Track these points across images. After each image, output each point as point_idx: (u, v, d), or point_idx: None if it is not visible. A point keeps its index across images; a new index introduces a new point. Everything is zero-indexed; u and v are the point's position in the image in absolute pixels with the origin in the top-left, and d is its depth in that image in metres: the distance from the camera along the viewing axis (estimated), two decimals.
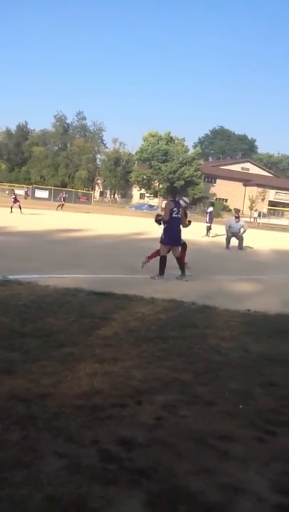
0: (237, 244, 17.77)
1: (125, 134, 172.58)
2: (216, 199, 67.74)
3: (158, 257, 9.32)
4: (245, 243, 18.24)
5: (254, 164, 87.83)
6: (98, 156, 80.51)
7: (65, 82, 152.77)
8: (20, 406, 3.03)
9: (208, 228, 23.06)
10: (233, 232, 18.06)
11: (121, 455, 2.58)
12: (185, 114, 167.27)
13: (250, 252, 17.91)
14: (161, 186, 65.09)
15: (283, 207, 67.18)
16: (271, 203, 68.99)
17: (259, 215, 55.00)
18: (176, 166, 63.66)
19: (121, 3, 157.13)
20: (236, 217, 18.53)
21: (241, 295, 8.17)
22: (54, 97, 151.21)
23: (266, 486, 2.45)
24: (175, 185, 59.67)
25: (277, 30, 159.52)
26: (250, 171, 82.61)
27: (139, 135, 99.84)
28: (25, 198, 45.64)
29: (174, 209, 9.31)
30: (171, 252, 9.43)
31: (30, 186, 61.56)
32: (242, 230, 18.23)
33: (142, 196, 73.04)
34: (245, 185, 74.92)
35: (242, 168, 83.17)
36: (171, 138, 66.88)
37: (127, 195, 79.12)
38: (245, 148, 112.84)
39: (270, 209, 64.58)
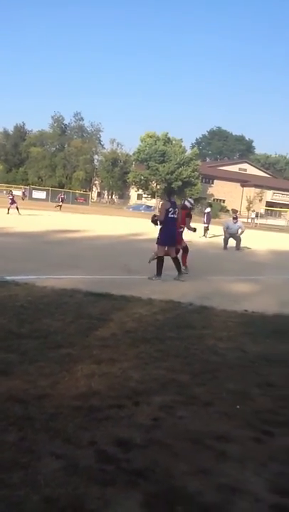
0: (235, 245, 17.79)
1: (123, 135, 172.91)
2: (214, 200, 67.77)
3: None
4: (242, 244, 18.26)
5: (251, 165, 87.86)
6: (96, 156, 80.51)
7: (62, 83, 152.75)
8: (17, 407, 3.03)
9: (206, 229, 23.07)
10: (230, 233, 18.08)
11: (118, 456, 2.58)
12: (183, 114, 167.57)
13: (248, 252, 17.93)
14: (158, 187, 65.06)
15: (281, 207, 67.15)
16: (268, 204, 68.98)
17: (256, 216, 54.91)
18: (173, 166, 63.64)
19: (121, 3, 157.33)
20: (234, 218, 18.55)
21: (239, 295, 8.18)
22: (51, 97, 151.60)
23: (263, 486, 2.46)
24: (172, 185, 59.58)
25: (276, 30, 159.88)
26: (247, 172, 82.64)
27: (136, 136, 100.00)
28: (23, 199, 45.62)
29: (170, 209, 9.27)
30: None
31: (28, 187, 61.44)
32: (240, 230, 18.24)
33: (139, 197, 72.97)
34: (242, 185, 74.94)
35: (239, 169, 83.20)
36: (168, 139, 66.86)
37: (124, 196, 79.09)
38: (243, 149, 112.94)
39: (268, 210, 64.53)
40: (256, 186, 71.40)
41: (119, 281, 8.25)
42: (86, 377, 3.64)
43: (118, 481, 2.35)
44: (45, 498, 2.16)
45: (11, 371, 3.63)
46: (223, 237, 18.32)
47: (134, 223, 27.90)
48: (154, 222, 9.52)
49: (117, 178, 74.95)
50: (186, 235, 10.67)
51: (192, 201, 11.44)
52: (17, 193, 44.84)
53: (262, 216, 58.23)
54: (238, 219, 18.95)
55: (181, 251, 10.16)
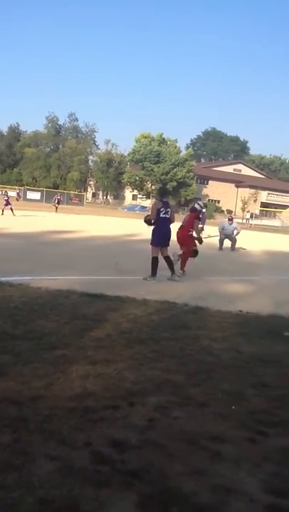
0: (230, 246, 17.82)
1: (117, 136, 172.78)
2: (209, 200, 67.86)
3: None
4: (237, 244, 18.30)
5: (246, 165, 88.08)
6: (90, 157, 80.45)
7: (56, 84, 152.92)
8: (11, 408, 3.02)
9: (201, 229, 23.09)
10: (226, 234, 18.11)
11: (113, 457, 2.58)
12: (177, 115, 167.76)
13: (243, 253, 17.96)
14: (153, 187, 65.06)
15: (275, 208, 67.38)
16: (263, 204, 69.17)
17: (251, 217, 55.09)
18: (168, 167, 63.70)
19: (121, 3, 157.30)
20: (229, 220, 18.58)
21: (234, 296, 8.19)
22: (46, 98, 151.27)
23: (258, 486, 2.46)
24: (167, 186, 59.60)
25: (274, 30, 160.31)
26: (242, 173, 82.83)
27: (131, 136, 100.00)
28: (17, 200, 45.48)
29: (162, 209, 9.19)
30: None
31: (22, 188, 61.29)
32: (235, 231, 18.29)
33: (134, 197, 72.99)
34: (237, 186, 75.11)
35: (234, 170, 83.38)
36: (163, 139, 66.92)
37: (119, 197, 79.08)
38: (237, 150, 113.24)
39: (262, 210, 64.70)
40: (251, 187, 71.58)
41: (114, 282, 8.25)
42: (81, 378, 3.64)
43: (113, 482, 2.35)
44: (40, 500, 2.15)
45: (5, 372, 3.61)
46: (218, 237, 18.34)
47: (129, 224, 27.89)
48: (147, 222, 9.45)
49: (111, 178, 74.94)
50: None
51: (202, 204, 11.34)
52: (11, 193, 44.68)
53: (257, 217, 58.41)
54: (234, 220, 18.99)
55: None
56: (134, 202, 70.51)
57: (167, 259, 9.29)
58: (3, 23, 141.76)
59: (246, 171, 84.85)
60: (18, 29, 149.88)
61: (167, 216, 9.21)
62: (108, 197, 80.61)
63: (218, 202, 71.66)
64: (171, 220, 9.31)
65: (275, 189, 76.52)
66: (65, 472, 2.37)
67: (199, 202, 11.20)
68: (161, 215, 9.17)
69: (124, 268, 9.59)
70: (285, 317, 6.71)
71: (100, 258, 11.55)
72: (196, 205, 10.92)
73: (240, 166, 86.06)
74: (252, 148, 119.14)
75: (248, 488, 2.44)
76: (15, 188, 58.34)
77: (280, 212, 62.21)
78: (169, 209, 9.29)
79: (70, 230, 19.78)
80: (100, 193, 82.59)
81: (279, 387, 3.91)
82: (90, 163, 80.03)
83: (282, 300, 8.13)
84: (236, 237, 18.27)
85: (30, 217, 26.47)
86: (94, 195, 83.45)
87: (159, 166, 63.68)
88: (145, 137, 66.50)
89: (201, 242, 10.52)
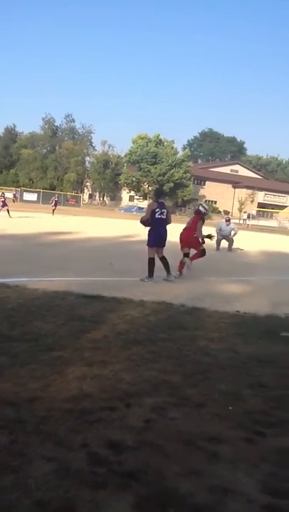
0: (227, 246, 17.84)
1: (114, 137, 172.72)
2: (206, 201, 67.81)
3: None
4: (235, 245, 18.31)
5: (243, 166, 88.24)
6: (87, 158, 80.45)
7: (52, 85, 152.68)
8: (8, 410, 3.02)
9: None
10: (223, 235, 18.12)
11: (110, 458, 2.57)
12: (174, 116, 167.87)
13: (240, 253, 17.97)
14: (150, 189, 65.06)
15: (272, 208, 67.52)
16: (260, 205, 69.29)
17: (248, 217, 55.21)
18: (165, 168, 63.74)
19: (121, 3, 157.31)
20: (227, 220, 18.60)
21: (231, 296, 8.19)
22: (42, 99, 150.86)
23: (255, 487, 2.46)
24: (164, 187, 59.62)
25: (270, 31, 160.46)
26: (239, 173, 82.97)
27: (128, 137, 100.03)
28: (14, 201, 45.33)
29: (157, 209, 9.16)
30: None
31: (19, 189, 61.21)
32: (232, 232, 18.30)
33: (131, 199, 72.98)
34: (234, 187, 75.22)
35: (231, 170, 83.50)
36: (160, 140, 66.97)
37: (116, 198, 79.03)
38: (234, 151, 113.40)
39: (259, 211, 64.85)
40: (248, 187, 71.69)
41: (111, 283, 8.24)
42: (77, 379, 3.63)
43: (110, 483, 2.34)
44: (37, 502, 2.14)
45: (1, 374, 3.61)
46: (215, 238, 18.35)
47: (126, 225, 27.88)
48: (143, 223, 9.43)
49: (108, 179, 74.93)
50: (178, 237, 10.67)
51: (207, 206, 11.30)
52: (8, 195, 44.57)
53: (254, 217, 58.52)
54: (231, 221, 19.01)
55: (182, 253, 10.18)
56: (131, 203, 70.48)
57: (163, 259, 9.28)
58: (3, 23, 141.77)
59: (243, 171, 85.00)
60: (18, 29, 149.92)
61: (163, 217, 9.19)
62: (105, 198, 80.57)
63: (215, 203, 71.71)
64: (167, 221, 9.30)
65: (272, 190, 76.64)
66: (61, 474, 2.37)
67: (204, 204, 11.21)
68: (157, 216, 9.15)
69: (121, 269, 9.58)
70: (282, 317, 6.72)
71: (96, 259, 11.53)
72: (201, 208, 10.92)
73: (237, 167, 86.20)
74: (249, 148, 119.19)
75: (245, 488, 2.43)
76: (11, 189, 58.22)
77: (277, 212, 62.35)
78: (164, 210, 9.26)
79: (67, 231, 19.76)
80: (97, 194, 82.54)
81: (276, 388, 3.91)
82: (87, 164, 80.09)
83: (280, 300, 8.13)
84: (233, 238, 18.28)
85: (27, 219, 26.44)
86: (91, 196, 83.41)
87: (156, 167, 63.73)
88: (142, 138, 66.55)
89: (203, 242, 10.55)
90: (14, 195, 51.65)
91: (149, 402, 3.34)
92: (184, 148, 79.03)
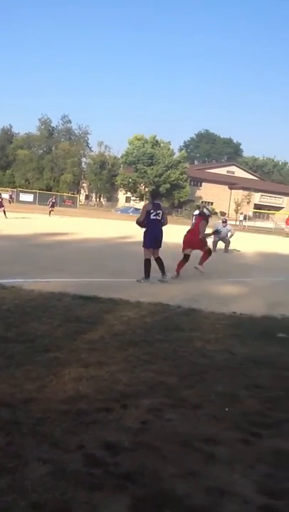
0: (223, 247, 17.84)
1: (111, 138, 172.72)
2: (202, 202, 67.78)
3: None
4: (231, 246, 18.32)
5: (239, 167, 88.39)
6: (83, 159, 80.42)
7: (49, 86, 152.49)
8: (4, 411, 3.01)
9: None
10: (219, 237, 18.11)
11: (106, 460, 2.57)
12: (170, 117, 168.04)
13: (237, 254, 17.99)
14: (147, 190, 65.10)
15: (268, 210, 67.66)
16: (256, 206, 69.48)
17: (244, 218, 55.29)
18: (161, 169, 63.78)
19: (121, 3, 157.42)
20: (223, 222, 18.62)
21: (227, 298, 8.19)
22: (38, 99, 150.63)
23: (252, 488, 2.46)
24: (161, 188, 59.66)
25: (271, 31, 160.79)
26: (235, 174, 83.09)
27: (124, 138, 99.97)
28: (10, 202, 45.16)
29: (152, 210, 9.16)
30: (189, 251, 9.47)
31: (15, 190, 61.08)
32: (229, 233, 18.31)
33: (127, 200, 73.02)
34: (230, 188, 75.31)
35: (227, 172, 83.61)
36: (156, 141, 67.01)
37: (112, 199, 79.07)
38: (231, 152, 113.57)
39: (256, 212, 65.02)
40: (244, 189, 71.84)
41: (108, 284, 8.23)
42: (74, 380, 3.62)
43: (106, 484, 2.34)
44: (33, 504, 2.13)
45: None
46: (211, 239, 18.37)
47: (123, 226, 27.85)
48: (139, 224, 9.43)
49: (105, 180, 74.94)
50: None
51: (210, 209, 11.61)
52: (4, 195, 44.43)
53: (250, 218, 58.62)
54: (227, 222, 19.04)
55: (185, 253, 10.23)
56: (127, 204, 70.51)
57: (158, 260, 9.27)
58: (3, 23, 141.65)
59: (239, 172, 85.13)
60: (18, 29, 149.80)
61: (158, 218, 9.19)
62: (101, 199, 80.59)
63: (212, 204, 71.69)
64: (163, 222, 9.30)
65: (268, 191, 76.84)
66: (57, 475, 2.36)
67: (207, 207, 11.42)
68: (152, 217, 9.16)
69: (117, 270, 9.57)
70: (279, 318, 6.73)
71: (93, 260, 11.53)
72: (205, 210, 11.06)
73: (233, 168, 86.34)
74: (245, 150, 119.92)
75: (242, 489, 2.43)
76: (7, 190, 58.09)
77: (274, 213, 62.42)
78: (160, 211, 9.25)
79: (63, 232, 19.74)
80: (93, 195, 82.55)
81: (272, 389, 3.91)
82: (83, 165, 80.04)
83: (276, 301, 8.15)
84: (230, 239, 18.29)
85: (23, 220, 26.40)
86: (87, 197, 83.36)
87: (152, 168, 63.77)
88: (138, 139, 66.58)
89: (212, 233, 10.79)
90: (10, 196, 51.51)
91: (146, 404, 3.34)
92: (181, 150, 79.42)
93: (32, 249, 12.67)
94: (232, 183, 75.82)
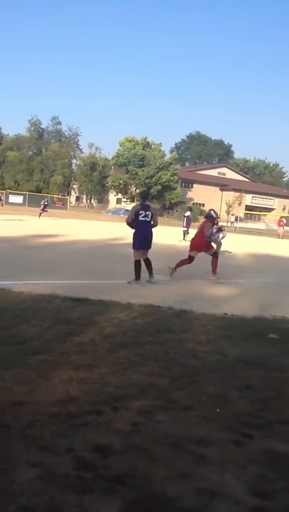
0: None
1: (101, 139, 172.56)
2: (193, 204, 67.98)
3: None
4: (223, 247, 18.33)
5: (230, 169, 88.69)
6: (74, 161, 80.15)
7: (38, 87, 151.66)
8: None
9: (185, 232, 23.17)
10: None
11: (96, 462, 2.54)
12: (161, 119, 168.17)
13: (228, 256, 18.01)
14: (138, 191, 65.08)
15: (260, 211, 67.99)
16: (248, 208, 69.73)
17: (236, 220, 55.49)
18: (152, 171, 63.81)
19: (120, 3, 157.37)
20: (215, 224, 18.65)
21: (218, 299, 8.20)
22: (27, 100, 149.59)
23: (243, 489, 2.45)
24: (152, 190, 59.62)
25: (266, 31, 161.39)
26: (226, 176, 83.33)
27: (115, 140, 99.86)
28: (1, 205, 44.81)
29: (141, 212, 9.16)
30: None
31: (4, 191, 60.72)
32: (221, 235, 18.33)
33: (118, 201, 72.96)
34: (222, 189, 75.52)
35: (218, 173, 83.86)
36: (147, 143, 67.05)
37: (103, 201, 78.93)
38: (222, 154, 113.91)
39: (247, 213, 65.22)
40: (235, 190, 72.12)
41: (99, 286, 8.20)
42: (63, 383, 3.59)
43: (96, 488, 2.31)
44: (21, 508, 2.11)
45: None
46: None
47: (113, 227, 27.83)
48: (129, 225, 9.41)
49: (95, 182, 74.75)
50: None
51: (216, 211, 11.73)
52: None
53: (241, 220, 58.81)
54: (220, 223, 19.08)
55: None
56: (118, 206, 70.44)
57: (147, 261, 9.25)
58: (3, 23, 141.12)
59: (231, 174, 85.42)
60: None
61: (147, 219, 9.16)
62: (92, 201, 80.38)
63: (203, 205, 71.83)
64: (153, 224, 9.28)
65: (260, 192, 77.16)
66: (47, 479, 2.33)
67: (214, 209, 11.48)
68: (140, 218, 9.14)
69: (108, 271, 9.55)
70: (270, 319, 6.75)
71: (83, 262, 11.50)
72: (212, 213, 11.11)
73: (224, 170, 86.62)
74: (236, 151, 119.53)
75: (233, 490, 2.42)
76: None
77: (265, 215, 62.73)
78: (149, 212, 9.23)
79: (54, 234, 19.68)
80: (84, 196, 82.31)
81: (263, 390, 3.91)
82: (74, 166, 79.79)
83: (267, 303, 8.17)
84: (222, 241, 18.31)
85: (13, 221, 26.26)
86: (78, 199, 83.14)
87: (143, 170, 63.77)
88: (129, 141, 66.58)
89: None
90: (0, 198, 51.24)
91: (136, 406, 3.32)
92: (172, 151, 79.36)
93: (22, 251, 12.61)
94: (223, 185, 76.05)
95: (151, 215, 9.23)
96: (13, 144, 79.17)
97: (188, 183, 74.82)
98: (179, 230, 23.78)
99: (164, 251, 10.23)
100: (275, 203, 76.82)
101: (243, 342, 5.35)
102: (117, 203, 73.57)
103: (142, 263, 9.14)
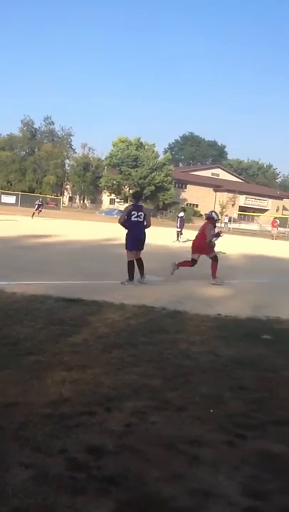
0: None
1: (94, 140, 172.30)
2: (187, 204, 68.08)
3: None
4: (216, 248, 18.36)
5: (224, 170, 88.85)
6: (67, 161, 79.91)
7: (31, 86, 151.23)
8: None
9: (179, 233, 23.19)
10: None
11: (89, 463, 2.54)
12: (155, 120, 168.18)
13: (222, 256, 17.99)
14: (131, 192, 64.99)
15: (253, 212, 68.10)
16: (241, 208, 69.84)
17: (229, 220, 55.57)
18: (146, 171, 63.76)
19: (120, 3, 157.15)
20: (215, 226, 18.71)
21: (212, 300, 8.21)
22: (20, 100, 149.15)
23: (236, 489, 2.45)
24: (145, 190, 59.60)
25: (266, 34, 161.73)
26: (220, 177, 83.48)
27: (108, 141, 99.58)
28: None
29: (133, 212, 9.14)
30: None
31: None
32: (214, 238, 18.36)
33: (112, 202, 72.86)
34: (215, 190, 75.63)
35: (212, 174, 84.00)
36: (141, 143, 67.01)
37: (96, 201, 78.78)
38: (215, 154, 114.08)
39: (241, 214, 65.32)
40: (229, 191, 72.25)
41: (92, 287, 8.19)
42: (56, 384, 3.58)
43: (89, 489, 2.30)
44: (14, 509, 2.09)
45: None
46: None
47: (107, 228, 27.80)
48: (122, 224, 9.40)
49: (88, 182, 74.59)
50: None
51: (217, 212, 11.73)
52: None
53: (235, 221, 58.88)
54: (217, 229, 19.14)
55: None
56: (111, 206, 70.35)
57: (139, 261, 9.23)
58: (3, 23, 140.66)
59: (224, 175, 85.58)
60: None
61: (139, 220, 9.14)
62: (85, 201, 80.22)
63: (197, 206, 72.05)
64: (146, 224, 9.26)
65: (253, 193, 77.33)
66: (40, 480, 2.32)
67: (215, 211, 11.50)
68: (133, 219, 9.12)
69: (101, 272, 9.53)
70: (263, 320, 6.76)
71: (76, 262, 11.47)
72: (214, 214, 11.12)
73: (218, 171, 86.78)
74: (230, 152, 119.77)
75: (227, 491, 2.42)
76: None
77: (258, 216, 62.83)
78: (141, 213, 9.21)
79: (47, 234, 19.62)
80: (77, 197, 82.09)
81: (257, 390, 3.91)
82: (67, 167, 79.59)
83: (261, 303, 8.19)
84: (215, 242, 18.33)
85: (6, 222, 26.15)
86: (71, 199, 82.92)
87: (136, 170, 63.71)
88: (123, 141, 66.50)
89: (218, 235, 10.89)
90: None
91: (130, 406, 3.31)
92: (165, 152, 79.32)
93: (15, 252, 12.56)
94: (217, 186, 76.18)
95: (144, 215, 9.21)
96: (6, 143, 78.79)
97: (181, 184, 74.87)
98: (173, 231, 23.78)
99: (157, 251, 10.23)
100: (268, 203, 77.04)
101: (236, 343, 5.36)
102: (110, 203, 73.47)
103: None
